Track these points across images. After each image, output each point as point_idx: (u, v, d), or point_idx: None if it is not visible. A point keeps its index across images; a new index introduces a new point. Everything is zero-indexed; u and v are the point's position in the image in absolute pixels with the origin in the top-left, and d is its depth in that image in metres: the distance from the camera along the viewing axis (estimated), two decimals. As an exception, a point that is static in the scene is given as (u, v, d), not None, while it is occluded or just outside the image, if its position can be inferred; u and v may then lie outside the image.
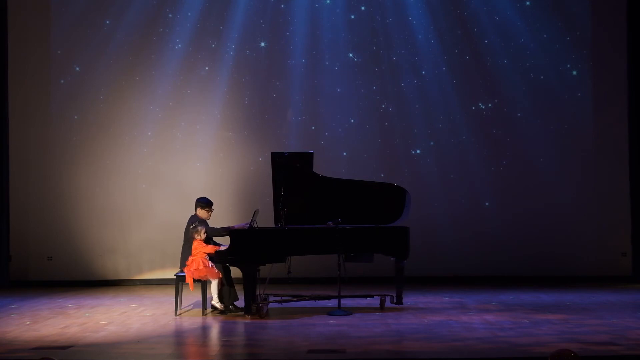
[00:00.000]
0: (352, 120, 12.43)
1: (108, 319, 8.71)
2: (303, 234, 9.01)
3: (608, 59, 12.37)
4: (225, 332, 8.08)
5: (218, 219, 10.53)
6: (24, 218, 12.24)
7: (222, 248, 9.08)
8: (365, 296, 9.35)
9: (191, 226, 9.06)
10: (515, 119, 12.42)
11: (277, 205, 9.11)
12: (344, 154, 12.38)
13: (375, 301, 9.34)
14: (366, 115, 12.43)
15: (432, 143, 12.43)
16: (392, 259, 9.23)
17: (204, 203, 9.42)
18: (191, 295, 9.69)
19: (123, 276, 12.28)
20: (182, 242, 9.27)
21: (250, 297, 8.77)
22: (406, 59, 12.44)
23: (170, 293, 9.92)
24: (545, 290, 10.88)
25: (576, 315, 8.60)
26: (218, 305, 9.03)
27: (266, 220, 9.57)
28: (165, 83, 12.34)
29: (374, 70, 12.44)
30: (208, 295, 9.16)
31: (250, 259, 8.82)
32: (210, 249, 8.89)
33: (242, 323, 8.48)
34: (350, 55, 12.46)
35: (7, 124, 12.12)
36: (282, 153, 9.84)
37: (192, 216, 9.38)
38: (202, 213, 9.36)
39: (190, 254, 8.93)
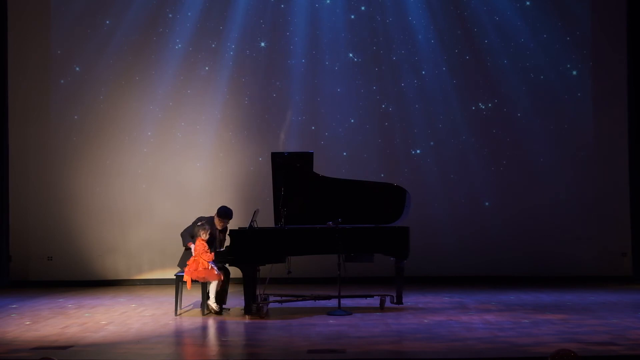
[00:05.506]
0: (352, 120, 12.43)
1: (108, 319, 8.71)
2: (303, 234, 9.00)
3: (608, 59, 12.37)
4: (225, 332, 8.08)
5: (218, 219, 10.52)
6: (24, 218, 12.24)
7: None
8: (365, 296, 9.35)
9: (199, 223, 9.05)
10: (515, 119, 12.42)
11: (277, 205, 9.11)
12: (344, 154, 12.38)
13: (375, 301, 9.34)
14: (366, 115, 12.43)
15: (432, 143, 12.43)
16: (392, 259, 9.22)
17: (222, 213, 9.21)
18: (191, 295, 9.68)
19: (123, 276, 12.28)
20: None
21: (250, 297, 8.76)
22: (406, 59, 12.44)
23: (170, 293, 9.91)
24: (545, 290, 10.88)
25: (576, 315, 8.59)
26: (214, 306, 9.00)
27: (266, 220, 9.57)
28: (165, 83, 12.34)
29: (374, 70, 12.44)
30: (207, 295, 9.16)
31: (250, 259, 8.81)
32: (209, 257, 8.82)
33: (242, 323, 8.48)
34: (350, 55, 12.46)
35: (7, 124, 12.11)
36: (282, 153, 9.84)
37: (200, 217, 9.29)
38: (216, 221, 9.27)
39: (190, 255, 8.93)
